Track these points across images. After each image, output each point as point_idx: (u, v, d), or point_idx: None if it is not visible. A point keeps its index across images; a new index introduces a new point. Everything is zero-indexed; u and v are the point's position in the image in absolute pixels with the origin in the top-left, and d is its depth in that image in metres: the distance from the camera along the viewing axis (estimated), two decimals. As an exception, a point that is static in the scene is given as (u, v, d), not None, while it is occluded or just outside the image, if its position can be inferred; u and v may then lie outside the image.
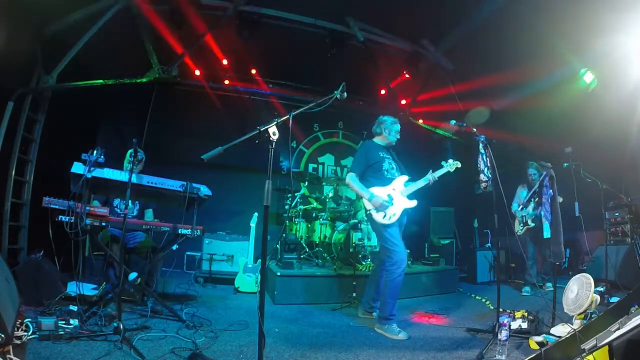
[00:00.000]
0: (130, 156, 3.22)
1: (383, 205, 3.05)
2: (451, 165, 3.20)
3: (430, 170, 3.18)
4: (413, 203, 3.16)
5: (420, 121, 6.96)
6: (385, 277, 3.06)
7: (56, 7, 4.03)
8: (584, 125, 4.65)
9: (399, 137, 3.37)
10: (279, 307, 3.68)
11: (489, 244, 5.71)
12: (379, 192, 3.12)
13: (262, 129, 1.81)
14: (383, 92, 6.87)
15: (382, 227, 3.09)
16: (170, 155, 5.76)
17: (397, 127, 3.35)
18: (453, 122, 3.20)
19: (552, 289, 3.15)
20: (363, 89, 6.49)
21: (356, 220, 4.85)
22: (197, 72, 5.73)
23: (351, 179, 3.22)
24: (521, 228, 4.59)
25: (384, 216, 3.07)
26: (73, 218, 2.48)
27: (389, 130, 3.32)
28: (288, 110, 1.95)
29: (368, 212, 3.17)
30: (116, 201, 3.53)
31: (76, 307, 2.59)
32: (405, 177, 3.22)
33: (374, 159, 3.22)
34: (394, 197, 3.12)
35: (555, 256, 3.11)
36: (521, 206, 4.47)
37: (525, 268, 4.64)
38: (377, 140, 3.38)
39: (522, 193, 4.74)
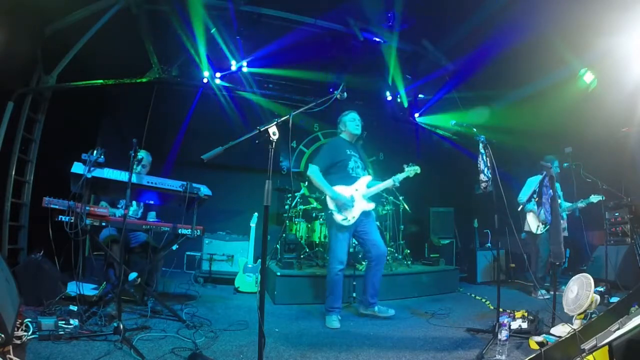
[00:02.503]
0: (132, 158, 3.22)
1: (345, 205, 3.08)
2: (410, 170, 3.21)
3: (392, 177, 3.21)
4: (371, 205, 3.19)
5: (421, 121, 6.96)
6: (327, 273, 3.16)
7: (56, 7, 4.04)
8: (584, 125, 4.64)
9: (360, 125, 3.38)
10: (279, 307, 3.68)
11: (489, 244, 5.70)
12: (344, 191, 3.12)
13: (262, 129, 1.81)
14: (383, 92, 6.87)
15: (335, 226, 3.13)
16: (171, 155, 5.76)
17: (350, 116, 3.40)
18: (453, 122, 3.23)
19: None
20: (363, 89, 6.48)
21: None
22: (197, 72, 5.72)
23: (314, 172, 3.16)
24: (543, 227, 4.21)
25: (344, 218, 3.09)
26: (73, 218, 2.48)
27: (346, 124, 3.38)
28: (288, 111, 1.96)
29: (329, 212, 3.13)
30: (121, 202, 3.53)
31: (76, 307, 2.58)
32: (368, 178, 3.25)
33: (340, 157, 3.24)
34: (355, 199, 3.13)
35: (555, 256, 3.11)
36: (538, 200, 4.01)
37: (525, 268, 4.57)
38: (343, 135, 3.43)
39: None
